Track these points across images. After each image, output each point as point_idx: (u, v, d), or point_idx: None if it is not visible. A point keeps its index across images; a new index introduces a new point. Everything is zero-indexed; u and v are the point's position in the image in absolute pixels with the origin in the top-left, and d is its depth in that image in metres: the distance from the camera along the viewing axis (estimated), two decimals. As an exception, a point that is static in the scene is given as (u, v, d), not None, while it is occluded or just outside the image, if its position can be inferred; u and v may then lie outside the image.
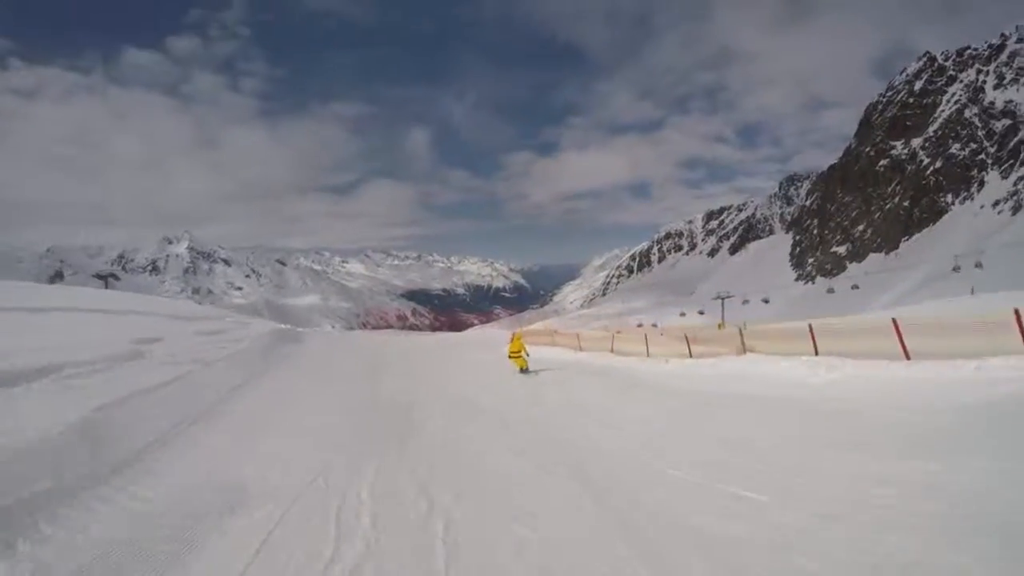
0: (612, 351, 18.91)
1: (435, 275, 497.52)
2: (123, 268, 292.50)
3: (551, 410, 9.54)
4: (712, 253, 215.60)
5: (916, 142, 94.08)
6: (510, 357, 14.35)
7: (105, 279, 58.15)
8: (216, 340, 14.82)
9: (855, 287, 56.99)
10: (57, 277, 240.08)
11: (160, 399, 7.30)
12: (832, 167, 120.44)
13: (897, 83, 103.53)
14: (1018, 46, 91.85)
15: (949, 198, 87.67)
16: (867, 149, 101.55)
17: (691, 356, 14.99)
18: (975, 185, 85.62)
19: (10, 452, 4.21)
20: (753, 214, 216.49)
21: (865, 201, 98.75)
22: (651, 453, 6.19)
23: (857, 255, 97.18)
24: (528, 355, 14.54)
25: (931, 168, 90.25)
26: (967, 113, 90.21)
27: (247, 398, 9.92)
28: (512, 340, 14.77)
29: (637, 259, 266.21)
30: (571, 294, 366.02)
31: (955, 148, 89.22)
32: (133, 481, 5.00)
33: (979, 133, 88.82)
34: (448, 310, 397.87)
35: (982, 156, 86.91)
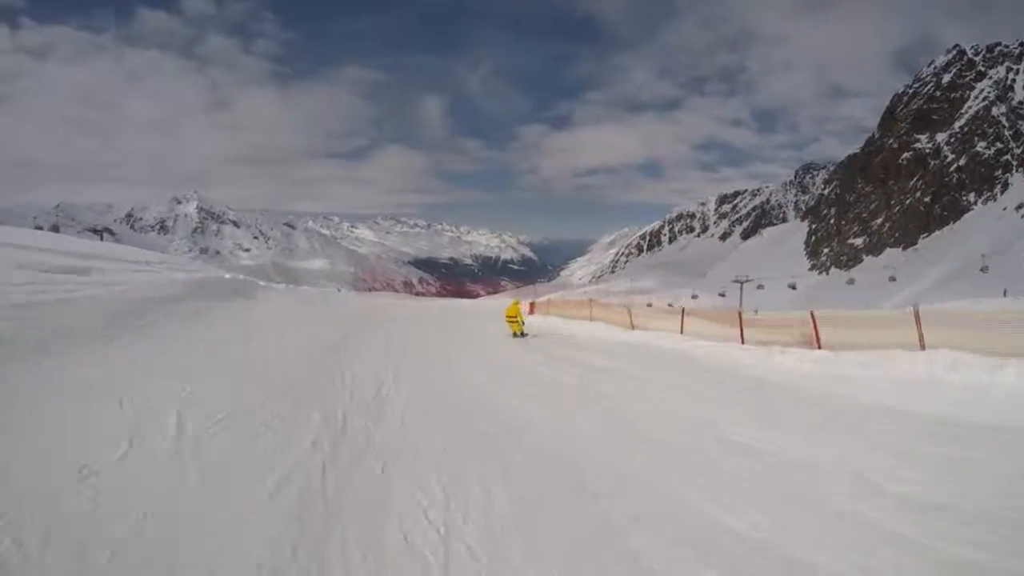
0: (681, 332, 13.92)
1: (444, 244, 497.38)
2: (131, 227, 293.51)
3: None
4: (724, 237, 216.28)
5: (941, 137, 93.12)
6: (507, 321, 16.02)
7: (100, 233, 60.23)
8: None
9: (892, 279, 56.77)
10: (53, 230, 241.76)
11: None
12: (853, 156, 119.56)
13: (924, 75, 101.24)
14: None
15: (972, 197, 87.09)
16: (890, 141, 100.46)
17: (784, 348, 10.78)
18: (999, 186, 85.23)
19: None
20: (767, 200, 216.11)
21: (885, 194, 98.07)
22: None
23: (874, 248, 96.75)
24: (524, 322, 16.15)
25: (955, 165, 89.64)
26: (995, 111, 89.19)
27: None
28: (510, 306, 16.42)
29: (647, 238, 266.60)
30: (579, 270, 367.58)
31: (980, 146, 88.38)
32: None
33: (1006, 133, 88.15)
34: (455, 279, 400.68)
35: (1007, 157, 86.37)
